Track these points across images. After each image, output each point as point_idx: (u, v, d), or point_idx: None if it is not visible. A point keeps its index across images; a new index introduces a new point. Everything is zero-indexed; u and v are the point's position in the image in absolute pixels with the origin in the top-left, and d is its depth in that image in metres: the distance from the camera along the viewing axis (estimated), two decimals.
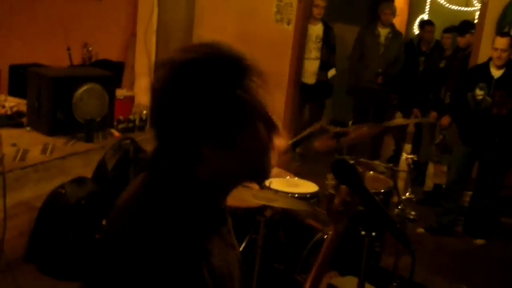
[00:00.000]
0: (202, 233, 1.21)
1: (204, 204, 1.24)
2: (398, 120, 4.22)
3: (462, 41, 6.11)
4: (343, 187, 1.48)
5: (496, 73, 4.96)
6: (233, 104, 1.18)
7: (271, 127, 1.25)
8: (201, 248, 1.19)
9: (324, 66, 6.65)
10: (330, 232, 1.51)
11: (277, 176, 4.14)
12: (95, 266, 1.23)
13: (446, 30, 6.57)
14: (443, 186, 5.61)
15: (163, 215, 1.18)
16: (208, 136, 1.17)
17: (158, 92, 1.22)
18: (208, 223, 1.24)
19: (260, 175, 1.29)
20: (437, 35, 7.04)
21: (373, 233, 1.51)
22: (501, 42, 4.87)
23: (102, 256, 1.22)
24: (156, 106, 1.23)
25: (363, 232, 1.52)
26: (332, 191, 3.86)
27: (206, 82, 1.18)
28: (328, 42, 6.62)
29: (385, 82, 6.68)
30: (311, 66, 6.62)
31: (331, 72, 6.71)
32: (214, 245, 1.23)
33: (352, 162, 1.43)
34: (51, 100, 4.41)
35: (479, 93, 5.00)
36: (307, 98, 6.73)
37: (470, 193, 5.42)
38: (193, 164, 1.20)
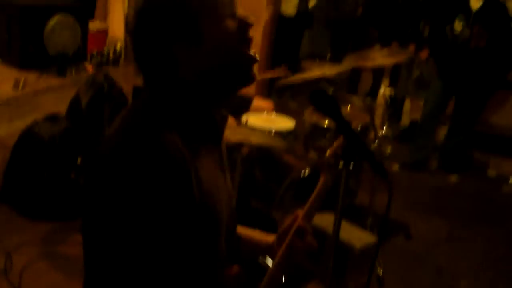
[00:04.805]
0: (194, 139, 1.23)
1: (195, 107, 1.26)
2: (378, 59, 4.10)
3: None
4: (336, 142, 1.49)
5: (475, 4, 4.87)
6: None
7: (242, 23, 1.27)
8: (192, 157, 1.19)
9: None
10: (320, 183, 1.51)
11: (256, 107, 4.07)
12: (89, 188, 1.22)
13: None
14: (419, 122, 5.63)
15: (154, 122, 1.20)
16: (175, 36, 1.21)
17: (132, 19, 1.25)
18: (200, 129, 1.26)
19: (240, 72, 1.29)
20: None
21: (351, 163, 1.50)
22: None
23: (95, 175, 1.20)
24: (133, 29, 1.25)
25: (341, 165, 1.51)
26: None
27: None
28: None
29: (364, 14, 6.57)
30: None
31: (312, 1, 6.54)
32: (203, 159, 1.25)
33: (330, 92, 1.41)
34: (21, 31, 4.28)
35: (458, 25, 4.93)
36: (287, 31, 6.53)
37: (444, 128, 5.45)
38: (173, 68, 1.23)
